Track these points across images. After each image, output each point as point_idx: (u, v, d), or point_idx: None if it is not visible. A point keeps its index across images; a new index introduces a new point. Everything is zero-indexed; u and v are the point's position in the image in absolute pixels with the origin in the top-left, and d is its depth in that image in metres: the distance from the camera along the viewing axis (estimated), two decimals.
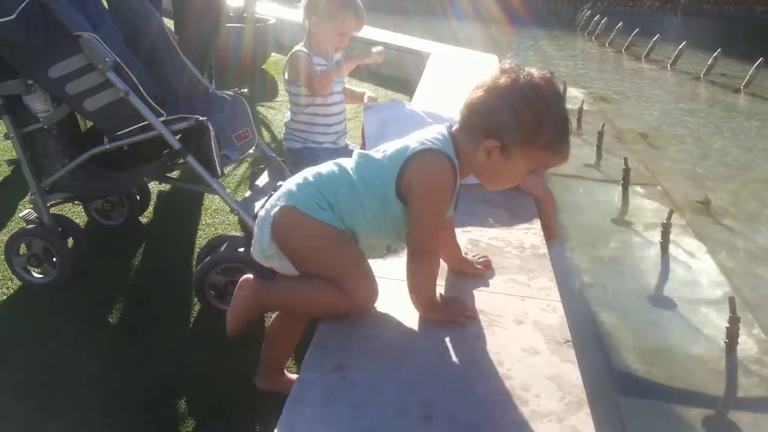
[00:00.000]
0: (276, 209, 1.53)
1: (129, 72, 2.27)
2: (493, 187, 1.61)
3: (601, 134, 4.50)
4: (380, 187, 1.49)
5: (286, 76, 2.82)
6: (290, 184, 1.59)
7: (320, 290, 1.53)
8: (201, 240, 2.83)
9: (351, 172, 1.53)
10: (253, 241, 1.62)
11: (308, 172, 1.58)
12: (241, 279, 1.67)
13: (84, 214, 2.97)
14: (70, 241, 2.55)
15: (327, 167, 1.57)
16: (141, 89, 2.28)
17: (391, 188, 1.48)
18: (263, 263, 1.61)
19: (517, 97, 1.43)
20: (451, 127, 1.53)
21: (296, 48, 2.86)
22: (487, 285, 1.77)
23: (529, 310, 1.66)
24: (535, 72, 1.47)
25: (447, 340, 1.51)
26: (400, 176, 1.47)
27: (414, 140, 1.50)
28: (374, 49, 2.93)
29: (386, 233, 1.58)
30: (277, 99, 5.30)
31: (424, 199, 1.46)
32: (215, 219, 3.06)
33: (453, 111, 2.58)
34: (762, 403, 2.08)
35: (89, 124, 2.58)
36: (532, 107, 1.42)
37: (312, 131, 2.82)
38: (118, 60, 2.23)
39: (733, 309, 2.05)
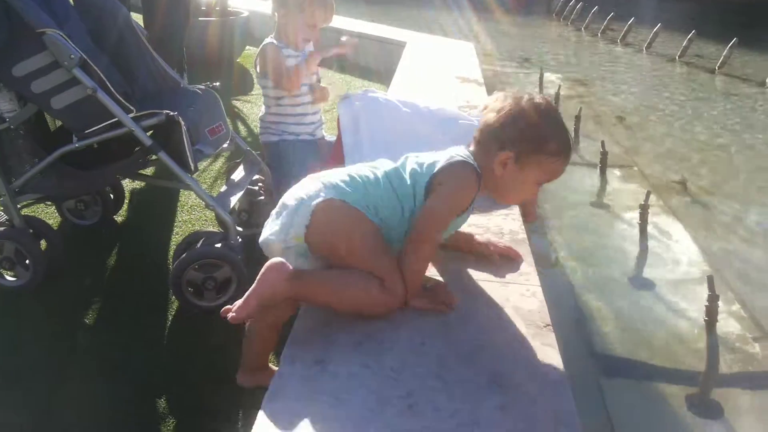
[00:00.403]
0: (319, 200, 1.51)
1: (96, 69, 2.22)
2: (507, 200, 1.82)
3: (578, 118, 4.50)
4: (410, 194, 1.59)
5: (258, 69, 2.79)
6: (332, 179, 1.58)
7: (360, 283, 1.49)
8: (177, 237, 2.79)
9: (389, 179, 1.60)
10: (268, 228, 1.58)
11: (352, 171, 1.61)
12: (270, 261, 1.51)
13: (57, 214, 2.91)
14: (44, 243, 2.50)
15: (366, 170, 1.62)
16: (109, 86, 2.23)
17: (421, 193, 1.58)
18: (275, 252, 1.56)
19: (523, 113, 1.59)
20: (468, 146, 1.65)
21: (266, 41, 2.83)
22: (467, 271, 1.76)
23: (509, 296, 1.66)
24: (535, 94, 1.64)
25: (428, 328, 1.50)
26: (431, 181, 1.57)
27: (441, 156, 1.60)
28: (342, 39, 2.88)
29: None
30: (252, 93, 5.24)
31: (447, 195, 1.56)
32: (191, 215, 3.02)
33: (430, 100, 2.57)
34: (742, 378, 2.10)
35: (58, 123, 2.53)
36: (538, 119, 1.59)
37: (287, 123, 2.79)
38: (85, 57, 2.18)
39: (711, 287, 2.06)
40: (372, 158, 1.85)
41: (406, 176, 1.60)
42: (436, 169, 1.57)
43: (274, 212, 1.62)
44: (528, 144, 1.58)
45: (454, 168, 1.57)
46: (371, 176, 1.61)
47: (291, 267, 1.50)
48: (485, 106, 1.83)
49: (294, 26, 2.68)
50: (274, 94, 2.74)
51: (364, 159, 1.98)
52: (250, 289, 1.50)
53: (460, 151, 1.63)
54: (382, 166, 1.65)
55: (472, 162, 1.60)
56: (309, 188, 1.57)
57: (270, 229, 1.59)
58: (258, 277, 1.50)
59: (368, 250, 1.52)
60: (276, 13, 2.73)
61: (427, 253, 1.58)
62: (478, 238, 1.85)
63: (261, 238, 1.60)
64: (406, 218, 1.59)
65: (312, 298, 1.53)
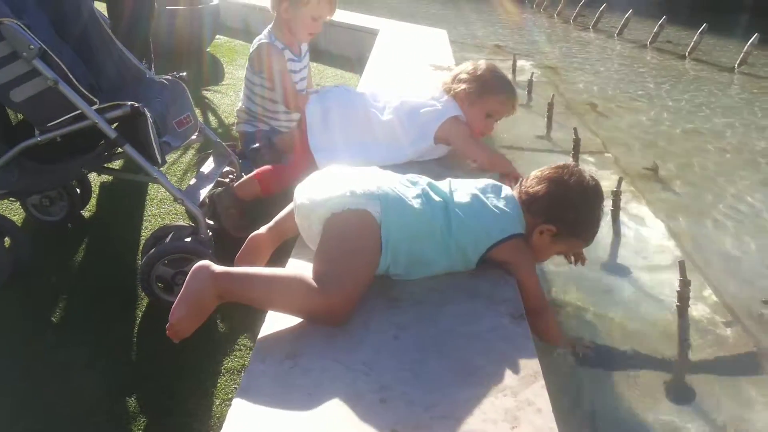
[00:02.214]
0: (363, 207, 1.53)
1: (58, 60, 2.16)
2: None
3: (550, 105, 4.51)
4: (472, 248, 1.68)
5: (254, 67, 2.78)
6: (393, 189, 1.62)
7: (293, 283, 1.46)
8: (147, 232, 2.73)
9: (447, 227, 1.64)
10: (316, 189, 1.61)
11: (412, 194, 1.65)
12: (194, 267, 1.47)
13: (21, 210, 2.84)
14: (8, 240, 2.42)
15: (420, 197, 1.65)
16: (71, 77, 2.17)
17: (479, 253, 1.68)
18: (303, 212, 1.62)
19: (582, 199, 1.78)
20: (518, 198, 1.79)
21: (263, 39, 2.81)
22: None
23: (481, 285, 1.65)
24: (592, 177, 1.82)
25: (400, 321, 1.49)
26: (490, 249, 1.68)
27: (503, 220, 1.71)
28: None
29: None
30: (223, 83, 5.17)
31: (529, 271, 1.72)
32: (161, 209, 2.96)
33: (402, 91, 2.55)
34: (714, 363, 2.12)
35: (20, 116, 2.46)
36: (593, 211, 1.81)
37: (274, 117, 2.79)
38: (45, 47, 2.11)
39: (683, 272, 2.08)
40: (346, 159, 1.95)
41: (452, 224, 1.65)
42: (494, 242, 1.67)
43: (325, 176, 1.67)
44: (573, 228, 1.79)
45: (516, 247, 1.71)
46: (425, 207, 1.63)
47: (216, 267, 1.46)
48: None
49: (298, 20, 2.70)
50: (269, 96, 2.73)
51: (337, 158, 2.03)
52: (179, 297, 1.44)
53: (512, 206, 1.74)
54: (433, 195, 1.69)
55: (523, 234, 1.74)
56: (366, 184, 1.58)
57: (314, 192, 1.61)
58: (185, 283, 1.45)
59: (352, 265, 1.50)
60: (277, 8, 2.70)
61: (550, 313, 1.82)
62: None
63: (306, 196, 1.62)
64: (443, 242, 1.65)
65: (241, 296, 1.48)
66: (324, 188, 1.60)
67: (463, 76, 2.49)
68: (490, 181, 1.85)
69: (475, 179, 1.85)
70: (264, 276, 1.49)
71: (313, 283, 1.44)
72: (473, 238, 1.67)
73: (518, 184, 1.86)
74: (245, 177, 2.51)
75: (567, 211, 1.75)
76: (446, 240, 1.63)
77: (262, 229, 1.83)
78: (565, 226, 1.76)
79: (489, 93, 2.46)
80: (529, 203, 1.77)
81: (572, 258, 1.95)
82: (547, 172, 1.81)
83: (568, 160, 3.76)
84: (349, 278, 1.48)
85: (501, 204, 1.74)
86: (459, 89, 2.47)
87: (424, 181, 1.74)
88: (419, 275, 1.65)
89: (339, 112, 2.43)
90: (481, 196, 1.74)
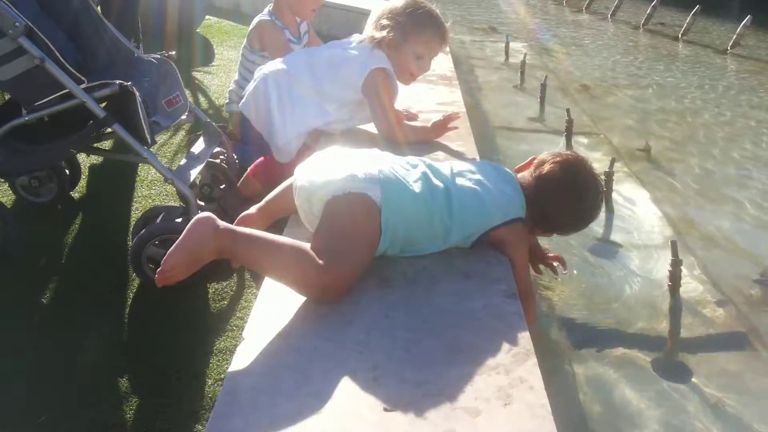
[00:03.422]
0: (363, 192, 1.53)
1: (44, 38, 2.12)
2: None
3: (543, 86, 4.49)
4: (473, 231, 1.69)
5: (256, 45, 2.76)
6: (394, 170, 1.61)
7: (295, 255, 1.44)
8: (137, 213, 2.71)
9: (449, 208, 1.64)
10: (316, 171, 1.61)
11: (414, 177, 1.64)
12: (196, 217, 1.44)
13: (10, 192, 2.81)
14: None
15: (423, 180, 1.64)
16: (58, 55, 2.13)
17: (478, 234, 1.69)
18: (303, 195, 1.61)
19: (589, 214, 1.87)
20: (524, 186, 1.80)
21: (264, 18, 2.80)
22: None
23: (475, 265, 1.64)
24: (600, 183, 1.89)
25: (391, 300, 1.49)
26: (491, 230, 1.69)
27: (505, 203, 1.72)
28: None
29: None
30: (213, 63, 5.12)
31: (523, 255, 1.75)
32: (152, 190, 2.94)
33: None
34: (705, 341, 2.13)
35: (7, 95, 2.43)
36: (591, 220, 1.90)
37: None
38: (31, 25, 2.07)
39: (675, 252, 2.08)
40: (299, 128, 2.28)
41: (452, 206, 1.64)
42: (495, 224, 1.68)
43: (326, 158, 1.66)
44: (563, 232, 1.97)
45: (514, 231, 1.72)
46: (425, 191, 1.62)
47: (220, 222, 1.44)
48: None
49: None
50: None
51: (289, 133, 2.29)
52: (176, 244, 1.42)
53: (518, 199, 1.75)
54: (432, 175, 1.69)
55: (523, 219, 1.75)
56: (366, 168, 1.58)
57: (315, 174, 1.60)
58: (185, 231, 1.42)
59: (352, 246, 1.50)
60: None
61: (533, 300, 1.84)
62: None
63: (306, 178, 1.61)
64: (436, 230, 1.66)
65: (240, 256, 1.46)
66: (325, 171, 1.60)
67: (384, 21, 2.36)
68: (492, 163, 1.86)
69: (477, 161, 1.86)
70: (267, 240, 1.46)
71: (315, 257, 1.43)
72: (475, 221, 1.67)
73: (528, 165, 1.87)
74: (244, 175, 2.53)
75: (568, 221, 1.87)
76: (446, 223, 1.63)
77: (252, 209, 1.81)
78: (560, 231, 1.95)
79: (413, 34, 2.34)
80: (533, 202, 1.77)
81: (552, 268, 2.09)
82: (563, 178, 1.80)
83: (561, 140, 3.75)
84: (348, 259, 1.48)
85: (503, 187, 1.74)
86: (381, 37, 2.34)
87: (424, 163, 1.72)
88: (413, 254, 1.65)
89: (276, 94, 2.41)
90: (483, 178, 1.72)
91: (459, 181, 1.70)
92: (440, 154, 2.33)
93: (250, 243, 1.45)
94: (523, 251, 1.74)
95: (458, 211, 1.63)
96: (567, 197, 1.80)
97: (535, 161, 1.86)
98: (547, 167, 1.81)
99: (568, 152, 1.91)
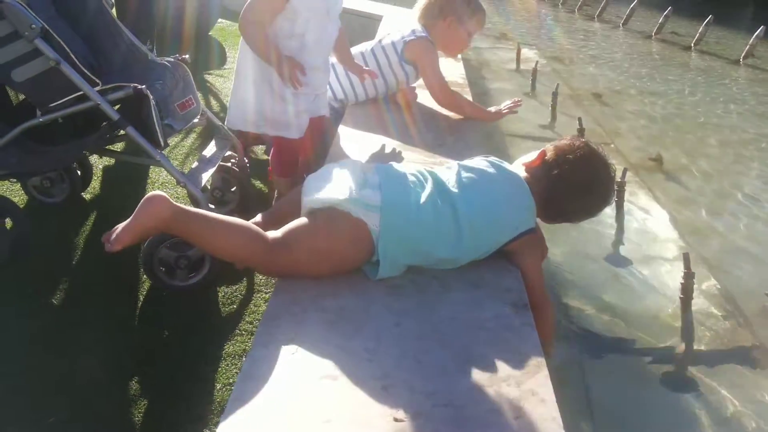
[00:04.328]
0: (374, 221, 1.53)
1: (59, 40, 2.13)
2: None
3: (555, 95, 4.49)
4: (485, 251, 1.67)
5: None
6: (409, 196, 1.60)
7: (240, 226, 1.53)
8: None
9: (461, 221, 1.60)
10: (321, 187, 1.61)
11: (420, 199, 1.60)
12: (151, 193, 1.54)
13: (22, 192, 2.82)
14: (9, 222, 2.41)
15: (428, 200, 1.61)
16: (73, 58, 2.15)
17: (489, 252, 1.67)
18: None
19: (597, 210, 1.83)
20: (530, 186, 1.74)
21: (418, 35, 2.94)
22: None
23: (485, 275, 1.64)
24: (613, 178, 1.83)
25: (401, 308, 1.48)
26: (511, 241, 1.67)
27: (517, 218, 1.69)
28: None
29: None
30: (225, 67, 5.14)
31: (536, 265, 1.72)
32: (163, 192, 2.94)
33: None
34: (717, 355, 2.11)
35: (21, 96, 2.44)
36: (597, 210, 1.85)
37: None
38: (47, 27, 2.09)
39: (687, 265, 2.07)
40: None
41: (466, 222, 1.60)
42: (522, 230, 1.67)
43: (334, 172, 1.66)
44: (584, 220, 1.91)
45: (533, 242, 1.71)
46: (430, 218, 1.59)
47: (177, 205, 1.52)
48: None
49: (457, 37, 2.79)
50: None
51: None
52: (130, 219, 1.51)
53: (528, 204, 1.71)
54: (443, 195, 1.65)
55: (534, 225, 1.72)
56: (370, 193, 1.57)
57: (320, 189, 1.61)
58: (138, 207, 1.50)
59: (313, 255, 1.53)
60: (435, 23, 2.77)
61: (550, 311, 1.75)
62: None
63: (312, 192, 1.61)
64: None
65: (192, 236, 1.55)
66: (330, 188, 1.59)
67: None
68: (502, 166, 1.78)
69: (486, 164, 1.78)
70: (216, 218, 1.54)
71: (266, 237, 1.51)
72: (485, 242, 1.65)
73: (538, 160, 1.79)
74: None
75: (585, 216, 1.87)
76: (456, 247, 1.60)
77: (258, 217, 1.80)
78: (573, 222, 1.94)
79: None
80: (547, 202, 1.74)
81: None
82: (581, 180, 1.76)
83: None
84: (295, 261, 1.53)
85: (514, 197, 1.70)
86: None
87: (431, 181, 1.66)
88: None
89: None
90: (492, 190, 1.68)
91: (467, 197, 1.63)
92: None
93: (199, 220, 1.53)
94: (535, 260, 1.71)
95: (468, 235, 1.59)
96: (586, 197, 1.78)
97: (547, 156, 1.78)
98: (563, 168, 1.74)
99: (579, 143, 1.81)
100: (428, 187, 1.64)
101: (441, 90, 2.76)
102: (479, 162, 1.79)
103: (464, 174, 1.70)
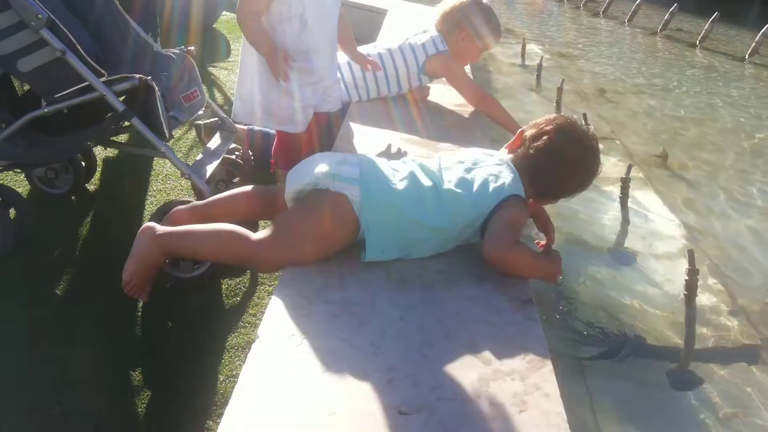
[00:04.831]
0: (354, 192, 1.57)
1: (65, 30, 2.13)
2: None
3: (560, 90, 4.47)
4: (470, 220, 1.65)
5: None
6: (388, 172, 1.65)
7: (226, 232, 1.61)
8: (151, 206, 2.72)
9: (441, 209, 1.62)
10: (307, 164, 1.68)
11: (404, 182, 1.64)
12: (140, 230, 1.66)
13: (26, 182, 2.82)
14: (12, 212, 2.41)
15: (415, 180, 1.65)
16: (79, 48, 2.14)
17: (477, 223, 1.65)
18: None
19: (586, 180, 1.79)
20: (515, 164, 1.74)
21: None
22: None
23: (490, 270, 1.63)
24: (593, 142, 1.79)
25: (405, 302, 1.48)
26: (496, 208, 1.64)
27: (501, 179, 1.67)
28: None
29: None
30: (230, 59, 5.13)
31: (514, 214, 1.65)
32: (166, 185, 2.95)
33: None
34: (720, 352, 2.11)
35: (26, 86, 2.44)
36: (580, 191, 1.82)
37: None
38: (53, 17, 2.09)
39: (692, 261, 2.06)
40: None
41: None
42: (502, 197, 1.64)
43: (316, 159, 1.71)
44: (567, 196, 1.84)
45: (513, 205, 1.66)
46: (410, 190, 1.63)
47: (160, 229, 1.63)
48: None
49: (471, 51, 2.86)
50: None
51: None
52: (130, 262, 1.64)
53: (510, 176, 1.68)
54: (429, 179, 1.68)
55: (523, 197, 1.69)
56: (350, 168, 1.63)
57: (303, 174, 1.67)
58: (134, 243, 1.65)
59: (298, 236, 1.58)
60: (450, 36, 2.83)
61: (522, 248, 1.62)
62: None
63: (294, 176, 1.69)
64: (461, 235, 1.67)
65: (182, 249, 1.69)
66: (312, 168, 1.65)
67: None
68: (482, 149, 1.84)
69: (466, 150, 1.83)
70: (202, 230, 1.64)
71: (249, 235, 1.59)
72: (466, 210, 1.64)
73: (518, 141, 1.81)
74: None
75: (574, 187, 1.80)
76: (440, 213, 1.61)
77: (182, 208, 1.87)
78: (566, 197, 1.85)
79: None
80: (533, 178, 1.73)
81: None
82: (561, 150, 1.74)
83: None
84: (286, 245, 1.57)
85: (495, 169, 1.70)
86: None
87: (414, 162, 1.73)
88: (419, 255, 1.64)
89: None
90: (473, 166, 1.71)
91: (447, 174, 1.68)
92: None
93: (186, 237, 1.64)
94: (506, 213, 1.64)
95: (448, 202, 1.62)
96: (569, 167, 1.75)
97: (525, 135, 1.79)
98: (541, 142, 1.74)
99: (554, 116, 1.82)
100: (408, 166, 1.71)
101: (474, 95, 2.85)
102: (463, 150, 1.85)
103: (443, 156, 1.79)
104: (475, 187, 1.65)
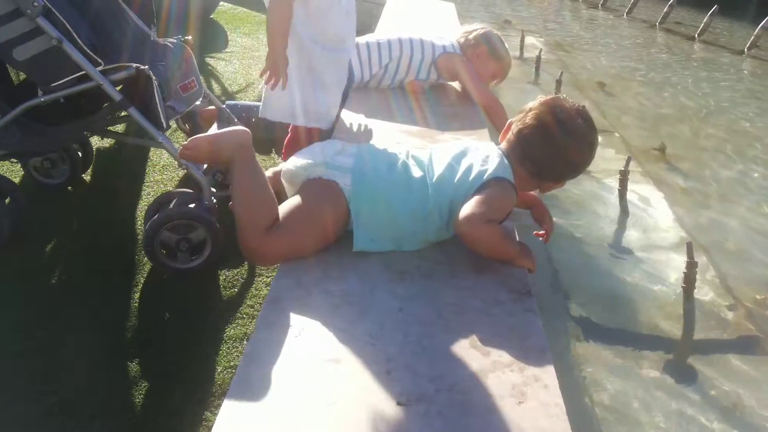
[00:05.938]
0: (345, 180, 1.59)
1: (61, 18, 2.11)
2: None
3: (559, 83, 4.46)
4: (457, 207, 1.59)
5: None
6: (380, 161, 1.67)
7: (257, 210, 1.57)
8: (149, 197, 2.71)
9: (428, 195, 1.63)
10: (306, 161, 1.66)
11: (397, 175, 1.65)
12: (240, 127, 1.67)
13: (22, 172, 2.81)
14: (8, 202, 2.40)
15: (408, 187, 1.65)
16: (75, 37, 2.12)
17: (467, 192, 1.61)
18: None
19: (582, 159, 1.75)
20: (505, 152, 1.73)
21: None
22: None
23: (489, 262, 1.63)
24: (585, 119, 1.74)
25: (404, 293, 1.47)
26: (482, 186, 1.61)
27: (488, 164, 1.65)
28: None
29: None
30: (227, 50, 5.10)
31: (487, 211, 1.57)
32: (163, 175, 2.93)
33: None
34: (719, 345, 2.12)
35: (22, 75, 2.42)
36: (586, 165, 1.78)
37: None
38: (49, 5, 2.07)
39: (690, 254, 2.06)
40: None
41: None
42: (484, 179, 1.61)
43: (315, 147, 1.73)
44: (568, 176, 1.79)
45: (499, 185, 1.63)
46: (399, 178, 1.64)
47: (251, 148, 1.62)
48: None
49: (485, 68, 2.92)
50: None
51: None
52: (210, 134, 1.66)
53: (498, 160, 1.66)
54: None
55: (512, 182, 1.66)
56: (343, 158, 1.65)
57: (299, 160, 1.67)
58: (222, 132, 1.65)
59: (297, 228, 1.57)
60: (468, 48, 2.92)
61: (495, 228, 1.59)
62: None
63: (291, 163, 1.69)
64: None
65: (237, 177, 1.61)
66: (306, 157, 1.67)
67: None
68: (473, 142, 1.82)
69: (460, 141, 1.83)
70: (260, 186, 1.60)
71: (262, 226, 1.55)
72: (454, 201, 1.62)
73: (508, 129, 1.80)
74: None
75: (572, 164, 1.76)
76: (424, 208, 1.62)
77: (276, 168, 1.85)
78: (570, 176, 1.80)
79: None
80: (525, 161, 1.71)
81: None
82: (540, 117, 1.72)
83: None
84: (288, 238, 1.56)
85: (484, 154, 1.70)
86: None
87: (406, 154, 1.74)
88: (411, 248, 1.63)
89: None
90: (461, 153, 1.71)
91: (437, 164, 1.69)
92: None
93: (250, 176, 1.60)
94: (497, 194, 1.62)
95: (435, 188, 1.63)
96: (557, 139, 1.69)
97: (512, 124, 1.78)
98: (526, 125, 1.73)
99: (539, 99, 1.78)
100: (401, 156, 1.72)
101: (484, 97, 2.88)
102: (458, 142, 1.84)
103: (436, 147, 1.80)
104: (461, 171, 1.65)
